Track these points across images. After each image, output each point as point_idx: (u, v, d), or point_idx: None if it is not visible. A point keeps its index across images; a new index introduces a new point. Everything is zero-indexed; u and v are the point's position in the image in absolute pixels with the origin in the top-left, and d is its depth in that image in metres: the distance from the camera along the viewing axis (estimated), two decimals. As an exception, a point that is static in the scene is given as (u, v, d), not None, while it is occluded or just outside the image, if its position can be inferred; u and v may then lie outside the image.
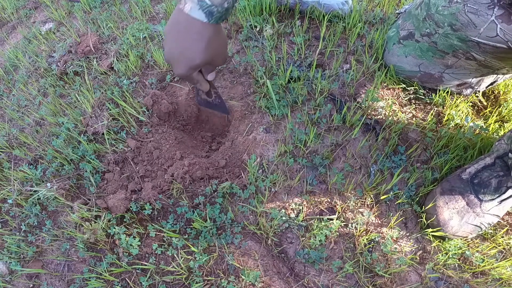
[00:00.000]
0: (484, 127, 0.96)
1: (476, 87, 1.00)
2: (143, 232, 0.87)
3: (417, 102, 1.03)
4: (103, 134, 1.00)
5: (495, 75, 0.96)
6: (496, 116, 1.00)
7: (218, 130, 1.10)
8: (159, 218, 0.89)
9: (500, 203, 0.83)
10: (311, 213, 0.88)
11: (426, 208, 0.87)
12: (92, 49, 1.20)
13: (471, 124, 0.97)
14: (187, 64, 0.70)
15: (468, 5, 0.77)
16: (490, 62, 0.84)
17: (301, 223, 0.86)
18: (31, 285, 0.88)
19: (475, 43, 0.81)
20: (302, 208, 0.88)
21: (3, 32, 1.51)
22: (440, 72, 0.95)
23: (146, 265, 0.83)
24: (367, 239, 0.84)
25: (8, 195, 0.97)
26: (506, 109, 1.02)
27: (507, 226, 0.89)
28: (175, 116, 1.07)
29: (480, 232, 0.85)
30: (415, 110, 1.02)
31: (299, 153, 0.94)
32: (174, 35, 0.69)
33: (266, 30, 1.13)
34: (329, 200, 0.89)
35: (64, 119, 1.05)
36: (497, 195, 0.82)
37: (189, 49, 0.69)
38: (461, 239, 0.86)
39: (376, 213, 0.88)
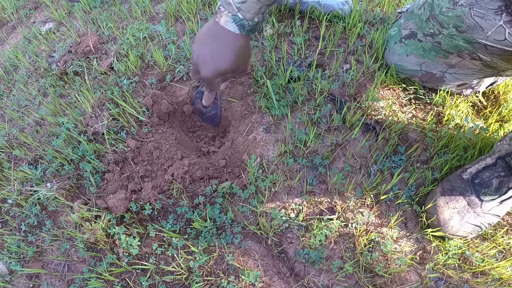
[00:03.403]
0: (484, 127, 0.96)
1: (476, 88, 1.00)
2: (143, 232, 0.87)
3: (417, 102, 1.03)
4: (103, 134, 1.00)
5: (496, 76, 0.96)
6: (496, 116, 1.00)
7: (218, 130, 1.10)
8: (159, 218, 0.89)
9: (500, 203, 0.83)
10: (311, 213, 0.88)
11: (426, 208, 0.87)
12: (92, 49, 1.20)
13: (471, 124, 0.97)
14: (215, 68, 0.78)
15: (474, 9, 0.76)
16: (496, 63, 0.84)
17: (301, 223, 0.86)
18: (31, 285, 0.88)
19: (482, 45, 0.80)
20: (302, 208, 0.88)
21: (3, 32, 1.51)
22: (442, 71, 0.95)
23: (146, 265, 0.83)
24: (367, 239, 0.84)
25: (8, 195, 0.97)
26: (506, 109, 1.02)
27: (507, 226, 0.89)
28: (175, 116, 1.07)
29: (480, 232, 0.85)
30: (415, 110, 1.02)
31: (299, 153, 0.94)
32: (208, 42, 0.78)
33: (266, 30, 1.13)
34: (329, 200, 0.89)
35: (64, 119, 1.05)
36: (498, 195, 0.82)
37: (220, 56, 0.77)
38: (461, 239, 0.86)
39: (376, 213, 0.88)
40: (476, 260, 0.84)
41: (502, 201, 0.82)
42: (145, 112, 1.04)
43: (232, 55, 0.77)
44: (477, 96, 1.05)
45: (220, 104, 1.00)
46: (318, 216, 0.87)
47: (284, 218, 0.86)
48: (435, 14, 0.85)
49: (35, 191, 0.95)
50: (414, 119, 1.00)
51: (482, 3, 0.75)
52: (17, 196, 0.95)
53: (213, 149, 1.02)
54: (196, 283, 0.80)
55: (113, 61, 1.15)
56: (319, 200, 0.89)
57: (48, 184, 0.94)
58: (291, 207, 0.88)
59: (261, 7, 0.75)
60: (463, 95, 1.02)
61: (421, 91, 1.03)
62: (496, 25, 0.75)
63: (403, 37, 0.98)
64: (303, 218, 0.87)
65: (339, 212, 0.87)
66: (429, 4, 0.88)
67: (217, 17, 0.77)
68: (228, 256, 0.82)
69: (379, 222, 0.88)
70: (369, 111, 0.99)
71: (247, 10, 0.74)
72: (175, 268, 0.82)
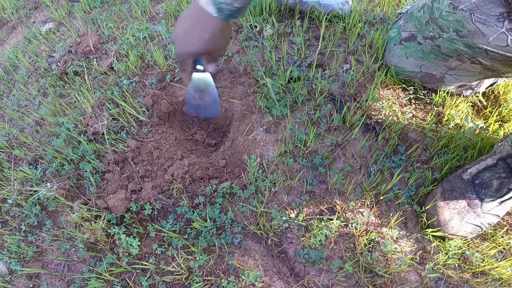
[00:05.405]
0: (484, 127, 0.96)
1: (476, 89, 1.00)
2: (143, 232, 0.87)
3: (417, 102, 1.03)
4: (103, 134, 1.00)
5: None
6: (496, 116, 1.00)
7: (218, 131, 1.10)
8: (159, 218, 0.89)
9: (500, 204, 0.83)
10: (311, 213, 0.88)
11: (427, 208, 0.87)
12: (92, 49, 1.20)
13: (471, 124, 0.97)
14: (186, 48, 0.78)
15: (475, 14, 0.75)
16: (497, 67, 0.83)
17: (301, 223, 0.86)
18: (31, 285, 0.88)
19: (483, 50, 0.79)
20: (302, 208, 0.88)
21: (3, 32, 1.51)
22: (442, 73, 0.95)
23: (146, 265, 0.83)
24: (367, 239, 0.84)
25: (8, 195, 0.97)
26: (506, 109, 1.02)
27: (507, 226, 0.89)
28: (175, 116, 1.07)
29: (480, 232, 0.85)
30: (415, 110, 1.02)
31: (299, 153, 0.94)
32: (187, 21, 0.77)
33: (266, 30, 1.13)
34: (329, 200, 0.89)
35: (64, 119, 1.05)
36: (498, 196, 0.82)
37: (193, 36, 0.76)
38: (461, 239, 0.86)
39: (376, 213, 0.88)
40: (476, 260, 0.84)
41: (502, 201, 0.82)
42: (145, 112, 1.04)
43: (205, 37, 0.76)
44: (477, 96, 1.05)
45: (216, 92, 0.93)
46: (318, 216, 0.87)
47: (284, 218, 0.86)
48: (434, 18, 0.85)
49: (35, 191, 0.95)
50: (414, 119, 1.00)
51: (483, 8, 0.74)
52: (17, 196, 0.95)
53: (209, 141, 1.02)
54: (196, 283, 0.80)
55: (113, 61, 1.15)
56: (319, 200, 0.89)
57: (48, 184, 0.94)
58: (291, 207, 0.88)
59: None
60: (463, 95, 1.02)
61: (421, 91, 1.03)
62: (498, 32, 0.74)
63: (402, 39, 0.97)
64: (303, 218, 0.87)
65: (339, 212, 0.87)
66: (428, 7, 0.87)
67: (199, 0, 0.75)
68: (228, 256, 0.82)
69: (379, 222, 0.88)
70: (369, 111, 0.99)
71: None
72: (175, 268, 0.82)
